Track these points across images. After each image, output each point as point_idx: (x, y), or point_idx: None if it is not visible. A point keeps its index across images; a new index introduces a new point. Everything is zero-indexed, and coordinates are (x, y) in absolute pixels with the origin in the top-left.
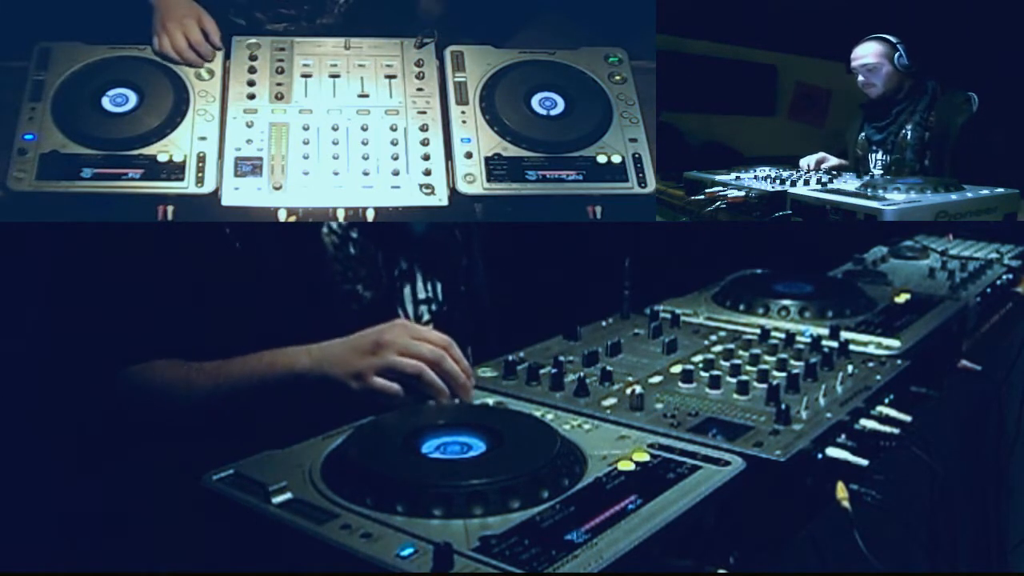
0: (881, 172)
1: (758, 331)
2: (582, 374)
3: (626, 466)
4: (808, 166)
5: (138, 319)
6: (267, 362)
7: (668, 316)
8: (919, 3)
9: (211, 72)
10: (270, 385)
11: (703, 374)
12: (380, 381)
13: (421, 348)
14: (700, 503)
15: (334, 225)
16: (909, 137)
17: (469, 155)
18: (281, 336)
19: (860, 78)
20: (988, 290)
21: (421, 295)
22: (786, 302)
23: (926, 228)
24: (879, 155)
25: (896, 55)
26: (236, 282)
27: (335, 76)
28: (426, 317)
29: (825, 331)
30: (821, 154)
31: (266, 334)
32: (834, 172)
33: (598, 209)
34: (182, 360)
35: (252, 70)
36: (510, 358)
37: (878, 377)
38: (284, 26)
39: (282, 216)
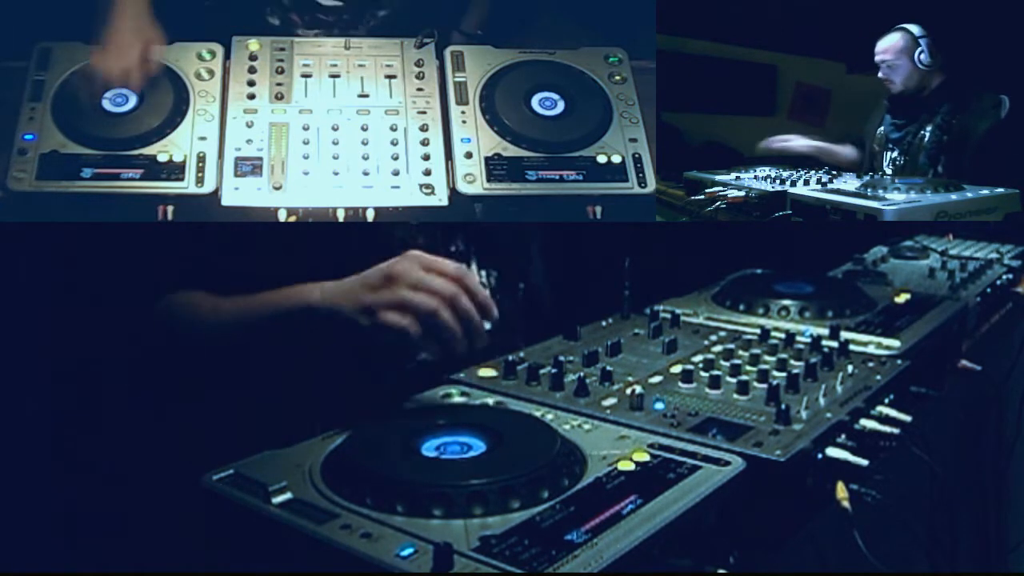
0: (892, 172)
1: (758, 331)
2: (582, 374)
3: (626, 466)
4: (769, 146)
5: (176, 258)
6: (284, 294)
7: (668, 316)
8: (920, 2)
9: (211, 72)
10: (285, 317)
11: (703, 374)
12: (391, 316)
13: (434, 282)
14: (700, 503)
15: None
16: (927, 139)
17: (469, 155)
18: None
19: (880, 73)
20: (988, 290)
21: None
22: (786, 302)
23: (926, 228)
24: (894, 154)
25: (917, 51)
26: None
27: (335, 76)
28: None
29: (825, 331)
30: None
31: (309, 270)
32: (834, 172)
33: (598, 209)
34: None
35: (252, 70)
36: (510, 358)
37: (878, 377)
38: (316, 33)
39: (282, 216)
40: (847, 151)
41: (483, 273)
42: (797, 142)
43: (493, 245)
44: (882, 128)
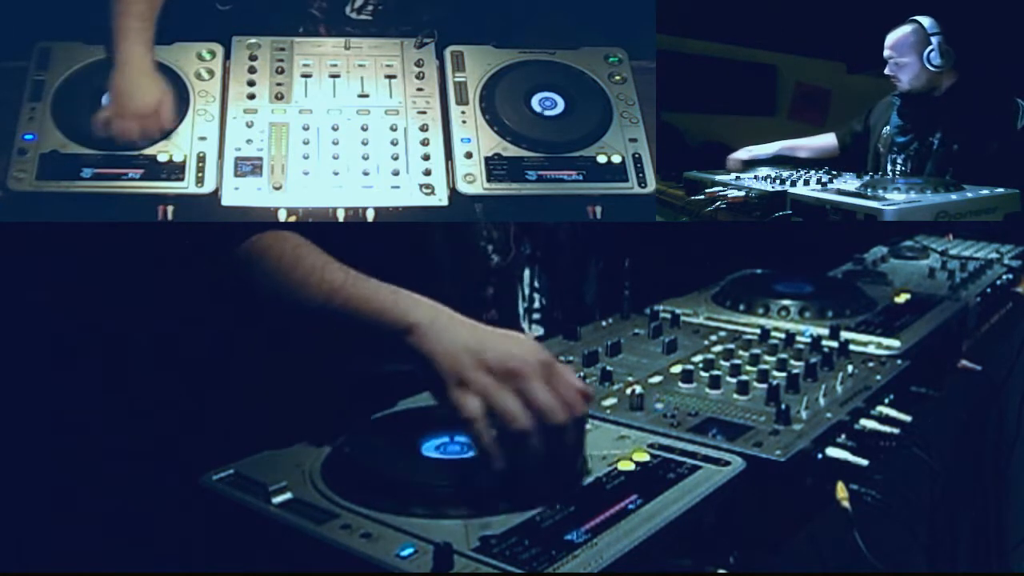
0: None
1: (758, 331)
2: (582, 374)
3: (626, 466)
4: (736, 159)
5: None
6: (393, 296)
7: (668, 316)
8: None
9: (211, 72)
10: (376, 320)
11: (703, 374)
12: (472, 408)
13: (548, 403)
14: (700, 503)
15: None
16: (936, 147)
17: (469, 155)
18: (402, 262)
19: (887, 69)
20: (988, 290)
21: (537, 284)
22: (786, 302)
23: (926, 228)
24: (899, 159)
25: (927, 49)
26: None
27: (335, 76)
28: (537, 304)
29: (825, 331)
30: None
31: (389, 256)
32: (834, 172)
33: (598, 209)
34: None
35: (252, 70)
36: None
37: (878, 377)
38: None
39: (282, 216)
40: (818, 141)
41: (545, 278)
42: (756, 149)
43: (558, 253)
44: (888, 127)
